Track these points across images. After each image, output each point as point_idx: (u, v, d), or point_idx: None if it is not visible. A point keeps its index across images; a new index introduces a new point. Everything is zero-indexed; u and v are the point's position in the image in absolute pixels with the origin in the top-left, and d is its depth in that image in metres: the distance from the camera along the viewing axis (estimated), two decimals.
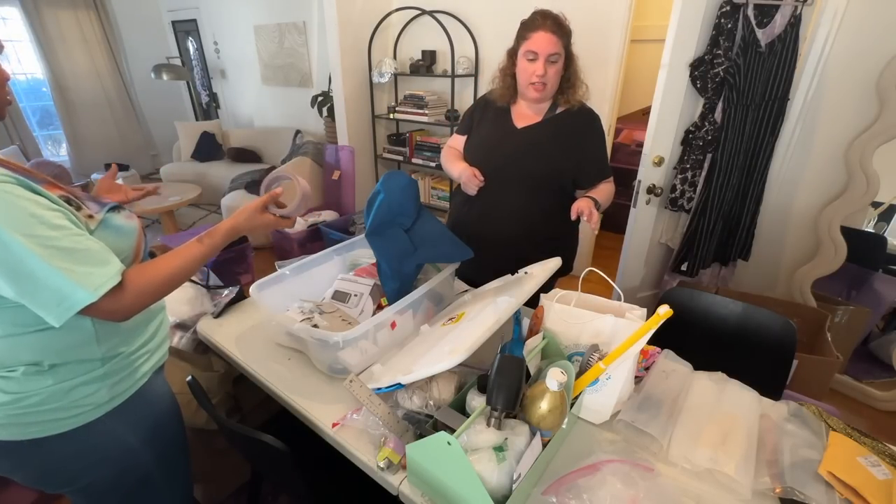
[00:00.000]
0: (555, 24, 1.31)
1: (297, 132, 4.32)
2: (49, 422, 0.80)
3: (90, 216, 0.78)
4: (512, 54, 1.41)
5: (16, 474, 0.86)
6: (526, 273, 1.20)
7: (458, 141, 1.62)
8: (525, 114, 1.47)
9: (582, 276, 1.07)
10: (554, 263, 1.17)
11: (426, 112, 3.18)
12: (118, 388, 0.86)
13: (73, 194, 0.80)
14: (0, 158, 0.75)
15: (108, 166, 1.16)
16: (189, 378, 1.07)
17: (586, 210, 1.27)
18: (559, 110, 1.43)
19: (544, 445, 0.84)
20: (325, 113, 3.83)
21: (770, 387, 1.09)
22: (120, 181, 1.15)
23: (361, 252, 1.52)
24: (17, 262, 0.65)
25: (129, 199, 1.11)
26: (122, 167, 4.34)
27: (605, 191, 1.45)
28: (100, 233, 0.78)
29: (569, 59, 1.38)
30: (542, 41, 1.31)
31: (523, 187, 1.44)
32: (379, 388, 0.92)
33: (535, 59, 1.33)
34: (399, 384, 0.90)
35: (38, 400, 0.78)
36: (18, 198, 0.66)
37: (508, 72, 1.44)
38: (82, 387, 0.81)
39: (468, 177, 1.42)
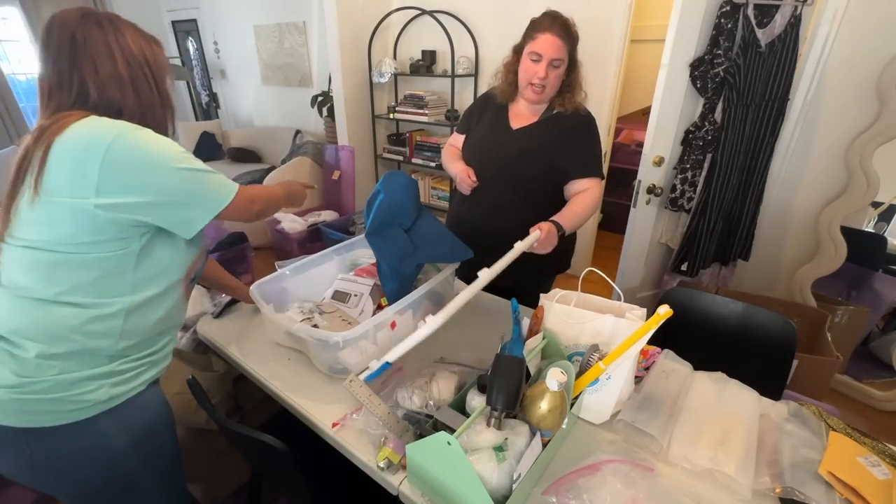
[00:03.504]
0: (563, 29, 1.30)
1: (297, 132, 4.31)
2: (48, 412, 0.81)
3: None
4: (517, 51, 1.40)
5: (5, 463, 0.86)
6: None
7: (458, 139, 1.62)
8: (522, 114, 1.47)
9: (582, 276, 1.07)
10: (532, 237, 1.20)
11: (426, 112, 3.18)
12: (117, 390, 0.87)
13: None
14: None
15: None
16: (189, 378, 1.07)
17: (544, 232, 1.23)
18: (555, 111, 1.42)
19: (544, 445, 0.84)
20: (325, 113, 3.83)
21: (770, 387, 1.09)
22: None
23: (361, 252, 1.52)
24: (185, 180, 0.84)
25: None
26: None
27: (579, 202, 1.40)
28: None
29: (572, 65, 1.37)
30: (547, 44, 1.30)
31: (518, 187, 1.44)
32: (370, 375, 0.92)
33: (539, 61, 1.32)
34: (387, 363, 0.90)
35: (42, 387, 0.80)
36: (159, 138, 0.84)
37: (511, 68, 1.43)
38: (85, 382, 0.83)
39: (462, 177, 1.44)
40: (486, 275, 1.04)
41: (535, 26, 1.34)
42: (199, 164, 0.87)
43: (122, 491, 0.94)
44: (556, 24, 1.30)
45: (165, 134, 0.91)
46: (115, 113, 0.85)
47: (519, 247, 1.16)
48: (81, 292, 0.81)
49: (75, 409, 0.83)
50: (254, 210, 0.97)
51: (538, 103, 1.43)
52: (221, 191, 0.89)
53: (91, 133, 0.78)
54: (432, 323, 0.89)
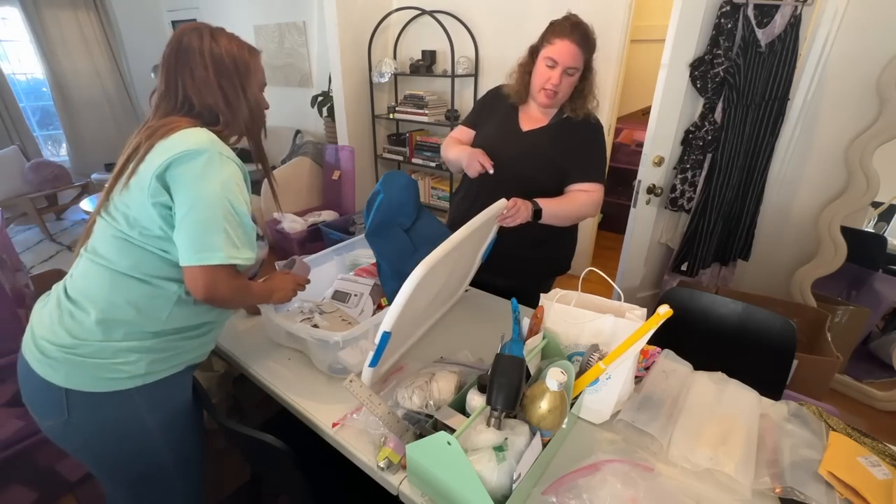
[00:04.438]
0: (582, 37, 1.28)
1: (297, 132, 4.31)
2: (89, 377, 0.88)
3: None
4: (533, 52, 1.38)
5: (46, 420, 0.93)
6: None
7: (461, 132, 1.59)
8: (533, 116, 1.46)
9: (582, 276, 1.07)
10: (499, 205, 1.23)
11: (426, 112, 3.18)
12: (155, 366, 0.93)
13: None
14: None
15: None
16: None
17: (512, 206, 1.25)
18: (566, 116, 1.41)
19: (544, 445, 0.84)
20: (325, 113, 3.82)
21: (770, 387, 1.09)
22: None
23: (361, 252, 1.52)
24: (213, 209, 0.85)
25: None
26: None
27: (571, 198, 1.40)
28: None
29: (586, 72, 1.35)
30: (564, 51, 1.28)
31: (523, 189, 1.44)
32: (374, 356, 0.94)
33: (554, 67, 1.30)
34: (386, 333, 0.91)
35: (88, 351, 0.87)
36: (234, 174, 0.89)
37: (526, 69, 1.41)
38: (126, 352, 0.89)
39: (474, 157, 1.37)
40: (461, 231, 1.05)
41: (555, 30, 1.30)
42: (233, 213, 0.87)
43: (145, 467, 0.99)
44: (577, 31, 1.28)
45: (259, 139, 1.06)
46: (216, 120, 0.95)
47: (490, 209, 1.18)
48: (144, 271, 0.89)
49: (114, 378, 0.89)
50: (213, 295, 0.89)
51: (549, 108, 1.42)
52: (204, 249, 0.85)
53: (183, 145, 0.85)
54: (417, 272, 0.89)
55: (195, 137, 0.86)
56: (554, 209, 1.35)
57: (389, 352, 1.00)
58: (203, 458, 1.12)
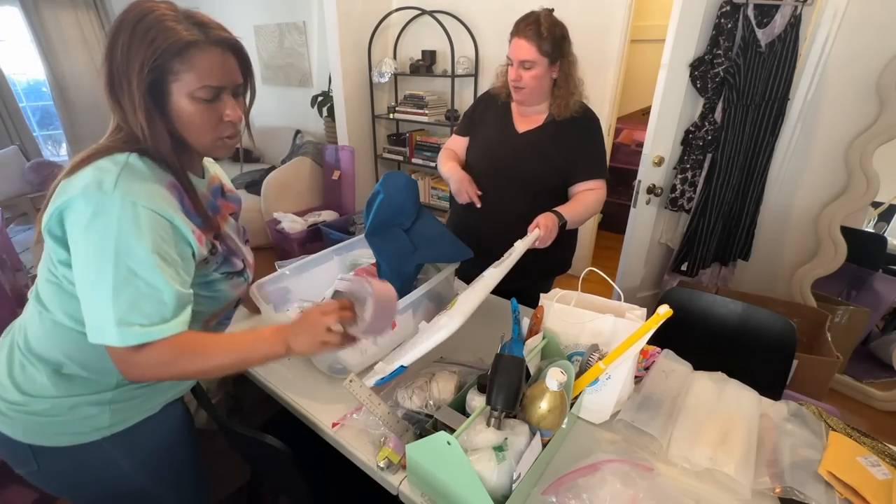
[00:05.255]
0: (533, 31, 1.30)
1: (297, 132, 4.31)
2: (47, 433, 0.80)
3: (205, 260, 0.81)
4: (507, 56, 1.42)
5: (18, 469, 0.87)
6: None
7: (455, 142, 1.61)
8: (527, 116, 1.47)
9: (582, 276, 1.07)
10: (533, 236, 1.22)
11: (426, 112, 3.18)
12: (121, 415, 0.84)
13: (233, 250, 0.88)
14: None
15: None
16: None
17: (543, 229, 1.24)
18: (559, 115, 1.41)
19: (544, 445, 0.84)
20: (325, 113, 3.82)
21: (770, 387, 1.09)
22: None
23: (361, 252, 1.52)
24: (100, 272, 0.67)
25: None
26: None
27: (583, 200, 1.41)
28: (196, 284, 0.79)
29: (555, 64, 1.35)
30: (516, 48, 1.33)
31: (522, 190, 1.44)
32: (382, 379, 0.92)
33: (512, 65, 1.36)
34: (402, 367, 0.90)
35: (42, 409, 0.79)
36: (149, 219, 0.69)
37: (504, 71, 1.46)
38: (85, 407, 0.80)
39: (463, 186, 1.43)
40: (495, 273, 1.04)
41: (512, 31, 1.36)
42: (134, 275, 0.68)
43: (134, 500, 0.94)
44: (529, 27, 1.31)
45: (174, 163, 0.76)
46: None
47: (521, 246, 1.16)
48: (76, 320, 0.75)
49: (75, 433, 0.81)
50: (134, 378, 0.74)
51: (523, 104, 1.44)
52: (95, 327, 0.68)
53: (73, 188, 0.70)
54: (450, 325, 0.87)
55: (93, 174, 0.68)
56: (574, 216, 1.36)
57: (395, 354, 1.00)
58: (201, 477, 1.06)
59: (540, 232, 1.24)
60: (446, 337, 0.87)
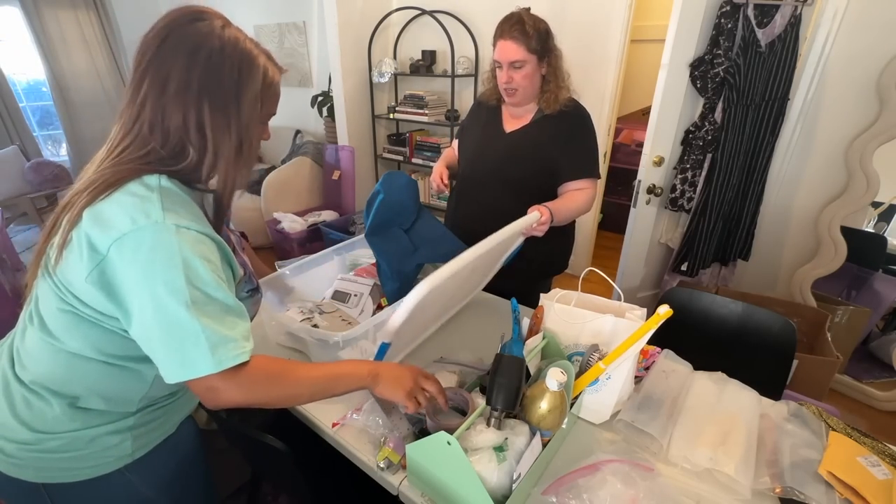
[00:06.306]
0: (518, 31, 1.29)
1: (297, 132, 4.31)
2: (65, 469, 0.76)
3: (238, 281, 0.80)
4: (494, 60, 1.41)
5: None
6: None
7: (453, 146, 1.66)
8: (516, 115, 1.46)
9: (582, 276, 1.07)
10: (533, 217, 1.22)
11: (426, 112, 3.18)
12: (143, 440, 0.81)
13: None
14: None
15: None
16: None
17: (545, 217, 1.24)
18: (547, 112, 1.40)
19: (544, 445, 0.84)
20: (325, 113, 3.82)
21: (770, 387, 1.09)
22: None
23: (361, 252, 1.52)
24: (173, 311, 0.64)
25: None
26: None
27: (572, 198, 1.40)
28: None
29: (543, 60, 1.34)
30: (503, 50, 1.31)
31: (510, 189, 1.44)
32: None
33: (501, 68, 1.35)
34: (385, 344, 0.90)
35: (58, 445, 0.74)
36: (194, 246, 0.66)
37: (494, 75, 1.45)
38: (105, 437, 0.76)
39: (433, 177, 1.56)
40: (484, 243, 1.01)
41: (496, 34, 1.34)
42: (208, 299, 0.66)
43: None
44: (514, 28, 1.30)
45: (231, 194, 0.76)
46: (177, 154, 0.73)
47: (517, 224, 1.15)
48: (107, 352, 0.73)
49: (95, 465, 0.77)
50: (222, 406, 0.71)
51: (518, 105, 1.43)
52: (184, 364, 0.66)
53: (121, 223, 0.66)
54: (428, 283, 0.85)
55: (133, 203, 0.64)
56: (561, 214, 1.34)
57: (395, 350, 1.00)
58: (212, 488, 1.04)
59: (540, 216, 1.23)
60: (424, 294, 0.84)
